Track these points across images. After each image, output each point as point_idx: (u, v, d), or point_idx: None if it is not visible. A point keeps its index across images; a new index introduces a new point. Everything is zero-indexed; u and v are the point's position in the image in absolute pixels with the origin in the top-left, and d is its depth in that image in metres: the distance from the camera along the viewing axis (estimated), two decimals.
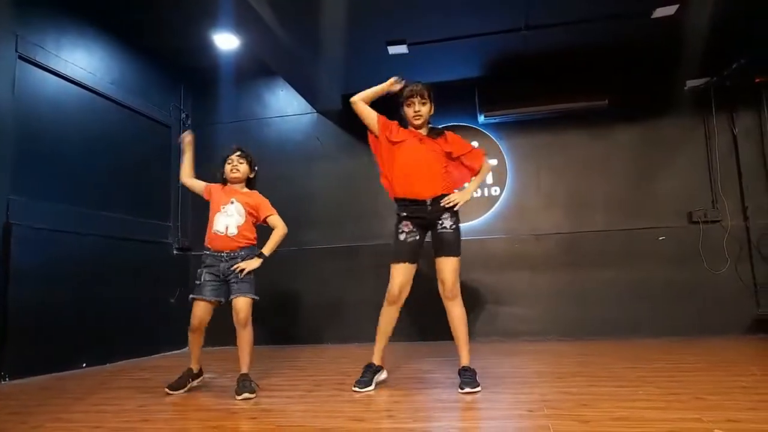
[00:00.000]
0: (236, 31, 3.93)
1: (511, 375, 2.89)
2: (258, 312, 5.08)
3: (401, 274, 2.65)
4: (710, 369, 2.84)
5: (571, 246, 4.71)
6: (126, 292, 4.34)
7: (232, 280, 2.73)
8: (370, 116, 2.79)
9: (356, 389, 2.56)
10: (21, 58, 3.59)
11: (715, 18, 3.93)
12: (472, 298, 4.72)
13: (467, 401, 2.30)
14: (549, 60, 4.65)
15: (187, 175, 2.95)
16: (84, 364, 3.84)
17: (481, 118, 4.86)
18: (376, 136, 2.81)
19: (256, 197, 2.92)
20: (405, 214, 2.69)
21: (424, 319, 4.64)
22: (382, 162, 2.81)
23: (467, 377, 2.51)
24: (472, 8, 3.84)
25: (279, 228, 2.91)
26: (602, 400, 2.17)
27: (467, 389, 2.43)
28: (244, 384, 2.59)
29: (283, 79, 4.84)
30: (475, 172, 2.80)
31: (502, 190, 4.91)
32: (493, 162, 4.93)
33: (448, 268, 2.62)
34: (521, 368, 3.12)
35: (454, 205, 2.66)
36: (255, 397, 2.56)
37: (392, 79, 2.73)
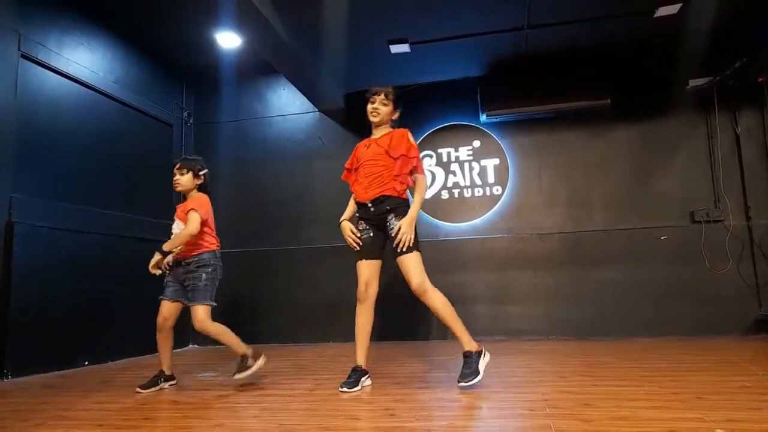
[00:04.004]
0: (238, 29, 3.93)
1: (513, 374, 2.89)
2: (258, 310, 5.08)
3: (363, 271, 2.74)
4: (712, 369, 2.84)
5: (573, 245, 4.70)
6: (127, 290, 4.34)
7: (188, 287, 2.80)
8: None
9: (344, 389, 2.55)
10: (23, 56, 3.60)
11: (717, 17, 3.92)
12: (474, 297, 4.72)
13: (468, 400, 2.30)
14: (551, 59, 4.65)
15: None
16: (86, 362, 3.85)
17: (483, 117, 4.86)
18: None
19: (191, 200, 2.90)
20: (358, 215, 2.81)
21: (424, 319, 4.64)
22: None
23: (466, 369, 2.50)
24: (474, 7, 3.84)
25: (189, 224, 2.78)
26: (604, 400, 2.17)
27: (462, 383, 2.44)
28: (239, 364, 2.77)
29: (284, 77, 4.84)
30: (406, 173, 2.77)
31: (503, 190, 4.90)
32: (495, 162, 4.93)
33: (408, 265, 2.61)
34: (523, 367, 3.12)
35: (400, 230, 2.62)
36: (250, 374, 2.74)
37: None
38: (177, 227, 2.88)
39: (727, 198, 4.49)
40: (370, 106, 2.82)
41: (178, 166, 2.92)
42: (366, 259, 2.74)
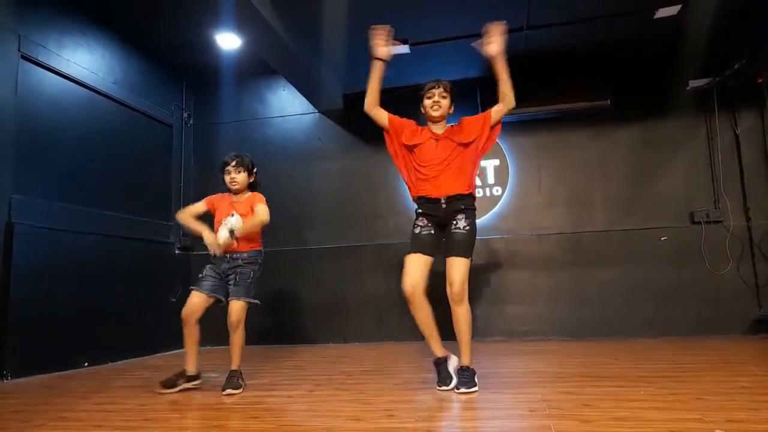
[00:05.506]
0: (238, 30, 3.93)
1: (513, 375, 2.89)
2: (259, 311, 5.08)
3: (413, 265, 2.62)
4: (711, 369, 2.84)
5: (573, 246, 4.70)
6: (127, 291, 4.34)
7: (230, 282, 2.77)
8: (382, 119, 2.79)
9: (441, 388, 2.51)
10: (23, 57, 3.60)
11: (717, 18, 3.92)
12: (474, 298, 4.69)
13: (469, 401, 2.30)
14: (551, 60, 4.65)
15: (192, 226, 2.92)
16: (86, 363, 3.85)
17: None
18: (388, 132, 2.80)
19: (252, 197, 2.91)
20: (421, 210, 2.71)
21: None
22: (398, 161, 2.81)
23: (465, 377, 2.49)
24: (474, 8, 3.84)
25: (259, 213, 2.81)
26: (604, 400, 2.17)
27: (463, 389, 2.43)
28: (231, 380, 2.67)
29: (284, 78, 4.84)
30: (488, 124, 2.73)
31: (503, 190, 4.91)
32: (495, 162, 4.93)
33: (455, 268, 2.56)
34: (522, 368, 3.12)
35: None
36: (240, 392, 2.63)
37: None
38: (237, 222, 2.78)
39: (727, 199, 4.49)
40: (428, 101, 2.71)
41: (234, 163, 2.84)
42: (419, 252, 2.62)
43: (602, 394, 2.31)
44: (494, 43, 2.65)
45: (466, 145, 2.70)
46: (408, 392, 2.52)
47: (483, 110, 4.84)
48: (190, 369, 2.79)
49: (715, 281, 4.40)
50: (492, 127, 2.76)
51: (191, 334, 2.77)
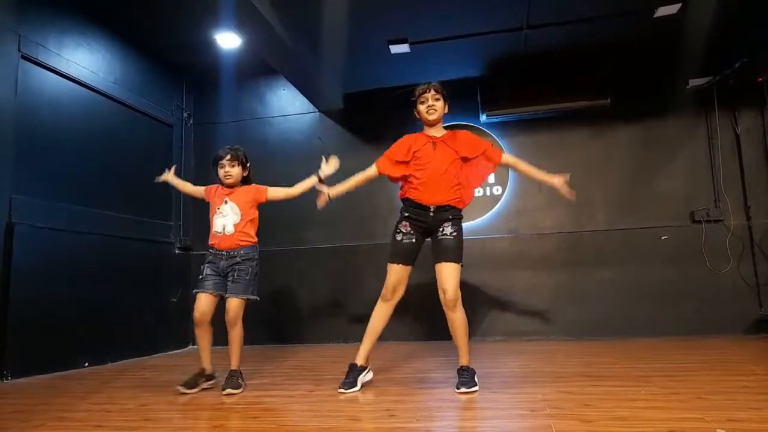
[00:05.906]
0: (238, 30, 3.93)
1: (513, 375, 2.89)
2: (259, 311, 5.07)
3: (395, 274, 2.66)
4: (712, 369, 2.84)
5: (573, 245, 4.70)
6: (128, 291, 4.34)
7: (229, 279, 2.77)
8: (375, 172, 2.82)
9: (342, 390, 2.54)
10: (23, 57, 3.60)
11: (717, 17, 3.92)
12: (474, 298, 4.71)
13: (469, 401, 2.30)
14: (551, 59, 4.65)
15: (187, 192, 3.09)
16: (86, 363, 3.85)
17: (483, 117, 4.86)
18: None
19: (250, 188, 2.95)
20: (407, 214, 2.69)
21: (425, 320, 4.64)
22: (402, 178, 2.78)
23: (464, 377, 2.49)
24: (474, 7, 3.84)
25: (288, 189, 3.01)
26: (604, 400, 2.17)
27: (463, 389, 2.43)
28: (231, 380, 2.66)
29: (284, 78, 4.84)
30: (495, 162, 2.76)
31: (504, 190, 4.90)
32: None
33: (447, 274, 2.55)
34: (523, 368, 3.12)
35: (457, 218, 2.67)
36: (240, 392, 2.63)
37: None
38: (231, 210, 2.83)
39: (728, 198, 4.48)
40: (422, 106, 2.68)
41: (228, 157, 2.86)
42: (400, 263, 2.65)
43: (602, 393, 2.31)
44: (563, 188, 2.65)
45: (465, 160, 2.71)
46: (408, 392, 2.52)
47: (482, 109, 4.90)
48: (208, 368, 2.80)
49: (715, 280, 4.40)
50: (491, 161, 2.77)
51: (205, 335, 2.79)
